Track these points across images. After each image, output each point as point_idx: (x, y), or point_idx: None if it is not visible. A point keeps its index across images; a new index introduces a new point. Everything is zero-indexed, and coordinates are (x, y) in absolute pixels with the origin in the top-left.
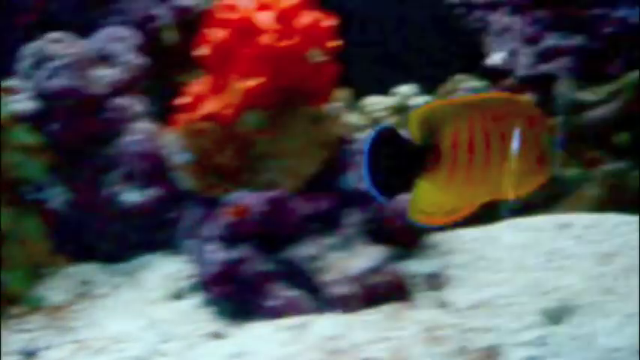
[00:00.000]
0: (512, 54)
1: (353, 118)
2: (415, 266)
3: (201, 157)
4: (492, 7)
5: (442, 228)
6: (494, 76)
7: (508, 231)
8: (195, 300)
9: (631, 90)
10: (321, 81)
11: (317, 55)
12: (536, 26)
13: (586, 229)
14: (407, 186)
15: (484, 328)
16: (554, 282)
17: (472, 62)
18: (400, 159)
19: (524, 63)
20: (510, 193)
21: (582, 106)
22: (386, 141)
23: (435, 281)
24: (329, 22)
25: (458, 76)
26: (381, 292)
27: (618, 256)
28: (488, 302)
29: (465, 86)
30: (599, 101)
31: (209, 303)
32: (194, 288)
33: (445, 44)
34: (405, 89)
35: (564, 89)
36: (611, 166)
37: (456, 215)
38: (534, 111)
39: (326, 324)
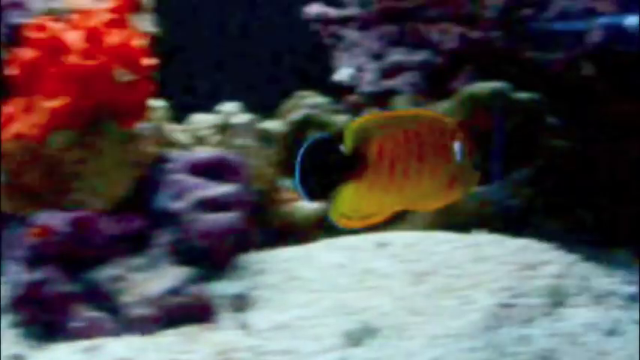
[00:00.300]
0: (359, 69)
1: (179, 135)
2: (223, 287)
3: (11, 177)
4: (344, 22)
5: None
6: (342, 91)
7: (325, 250)
8: (4, 322)
9: (467, 106)
10: (134, 100)
11: (125, 75)
12: (382, 42)
13: (404, 248)
14: (331, 190)
15: (282, 351)
16: (363, 303)
17: (322, 78)
18: (329, 165)
19: (369, 79)
20: (420, 205)
21: None
22: (319, 148)
23: (240, 302)
24: (140, 40)
25: (301, 92)
26: (181, 313)
27: (432, 276)
28: (291, 324)
29: (308, 102)
30: None
31: (17, 325)
32: (5, 309)
33: (293, 59)
34: (228, 107)
35: (399, 104)
36: None
37: (370, 220)
38: (456, 131)
39: (120, 346)
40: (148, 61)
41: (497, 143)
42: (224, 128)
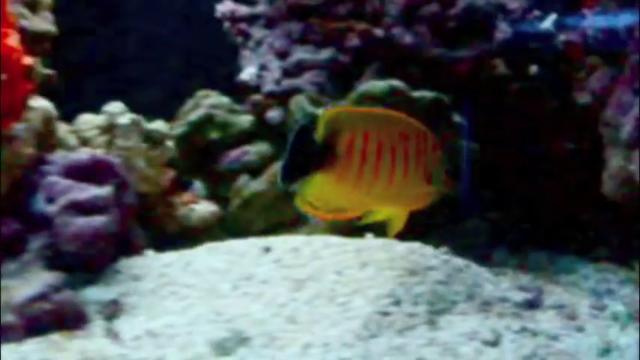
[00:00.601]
0: (263, 68)
1: (67, 136)
2: (96, 293)
3: None
4: (253, 20)
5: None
6: (246, 91)
7: (207, 255)
8: None
9: (363, 105)
10: (9, 100)
11: None
12: (288, 40)
13: (289, 253)
14: (301, 177)
15: None
16: (239, 310)
17: (229, 77)
18: (304, 153)
19: (272, 78)
20: (392, 205)
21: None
22: (304, 135)
23: (113, 309)
24: (13, 40)
25: (201, 92)
26: (48, 320)
27: (314, 282)
28: (161, 332)
29: (208, 102)
30: None
31: None
32: None
33: (204, 59)
34: (112, 107)
35: (299, 105)
36: None
37: (340, 215)
38: (427, 135)
39: None
40: (25, 60)
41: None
42: (108, 129)
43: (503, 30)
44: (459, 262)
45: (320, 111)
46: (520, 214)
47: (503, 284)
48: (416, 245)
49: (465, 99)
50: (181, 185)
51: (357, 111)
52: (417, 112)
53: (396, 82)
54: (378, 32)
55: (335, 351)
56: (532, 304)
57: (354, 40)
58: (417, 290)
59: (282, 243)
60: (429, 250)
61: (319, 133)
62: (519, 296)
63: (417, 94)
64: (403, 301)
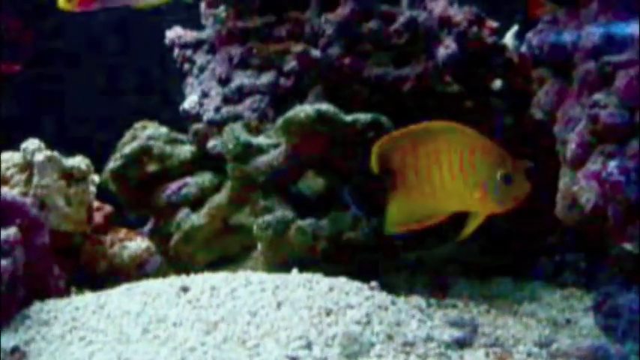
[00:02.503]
0: (205, 96)
1: None
2: (2, 340)
3: None
4: (197, 46)
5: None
6: (189, 119)
7: (123, 296)
8: None
9: (291, 132)
10: None
11: None
12: (229, 65)
13: (206, 293)
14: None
15: None
16: (144, 356)
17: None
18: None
19: (213, 105)
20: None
21: (252, 151)
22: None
23: (15, 357)
24: None
25: (141, 123)
26: None
27: (227, 324)
28: None
29: (145, 134)
30: (271, 145)
31: None
32: None
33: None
34: (29, 144)
35: (233, 134)
36: (272, 216)
37: (426, 222)
38: (480, 142)
39: None
40: None
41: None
42: (25, 167)
43: (447, 45)
44: (384, 298)
45: (254, 140)
46: (485, 239)
47: (434, 321)
48: (340, 281)
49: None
50: (126, 222)
51: (401, 132)
52: (353, 136)
53: (324, 107)
54: (315, 53)
55: None
56: (462, 344)
57: (291, 63)
58: (330, 332)
59: (201, 282)
60: (353, 285)
61: (373, 164)
62: (448, 334)
63: (350, 117)
64: (315, 343)
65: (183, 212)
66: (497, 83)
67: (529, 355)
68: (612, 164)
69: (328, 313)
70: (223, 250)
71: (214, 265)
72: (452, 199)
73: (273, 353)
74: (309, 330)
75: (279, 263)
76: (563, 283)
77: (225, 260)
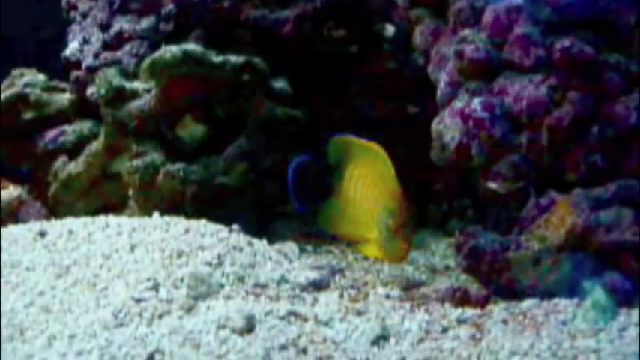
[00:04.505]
0: (85, 42)
1: None
2: None
3: None
4: None
5: None
6: (70, 66)
7: None
8: None
9: (157, 75)
10: None
11: None
12: (109, 10)
13: (62, 237)
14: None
15: None
16: None
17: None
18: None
19: (93, 51)
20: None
21: (125, 95)
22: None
23: None
24: None
25: (16, 71)
26: None
27: (80, 267)
28: None
29: (22, 81)
30: (146, 90)
31: None
32: None
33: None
34: None
35: (106, 78)
36: (140, 161)
37: (350, 238)
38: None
39: None
40: None
41: None
42: None
43: None
44: (239, 240)
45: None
46: None
47: (292, 264)
48: (199, 223)
49: None
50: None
51: (358, 142)
52: (223, 78)
53: (191, 47)
54: None
55: (79, 342)
56: (318, 286)
57: (169, 6)
58: (179, 273)
59: (59, 227)
60: (211, 228)
61: (330, 158)
62: (304, 277)
63: (218, 58)
64: (162, 285)
65: (61, 161)
66: (390, 29)
67: (387, 296)
68: (476, 101)
69: (180, 254)
70: (103, 200)
71: (93, 216)
72: (363, 225)
73: (120, 295)
74: (159, 271)
75: (151, 209)
76: (452, 231)
77: (107, 210)
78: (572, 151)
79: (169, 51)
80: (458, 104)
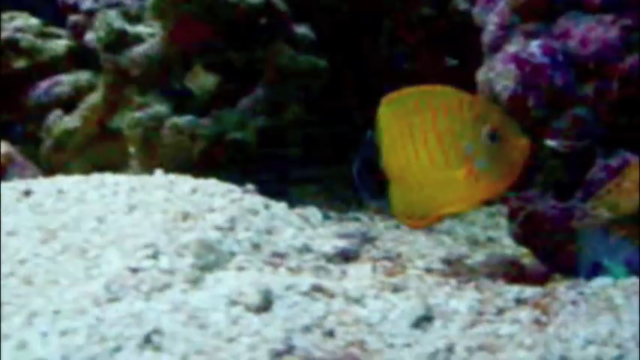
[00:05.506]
0: None
1: None
2: None
3: None
4: None
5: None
6: (66, 10)
7: None
8: None
9: (169, 15)
10: None
11: None
12: None
13: (51, 197)
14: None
15: None
16: None
17: None
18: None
19: None
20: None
21: (127, 40)
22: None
23: None
24: None
25: (5, 14)
26: None
27: (69, 231)
28: None
29: (12, 25)
30: (152, 35)
31: None
32: None
33: None
34: None
35: (106, 21)
36: (143, 112)
37: (427, 221)
38: (456, 95)
39: None
40: None
41: None
42: None
43: None
44: (255, 202)
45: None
46: None
47: (316, 231)
48: (208, 182)
49: None
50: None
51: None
52: (238, 20)
53: None
54: None
55: (63, 320)
56: (347, 256)
57: None
58: (184, 239)
59: (47, 185)
60: (222, 187)
61: (378, 133)
62: (331, 246)
63: None
64: (163, 253)
65: (55, 114)
66: None
67: (428, 270)
68: (535, 44)
69: (185, 217)
70: (101, 158)
71: None
72: (434, 186)
73: (114, 265)
74: (160, 237)
75: (155, 168)
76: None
77: (106, 170)
78: None
79: None
80: (512, 48)
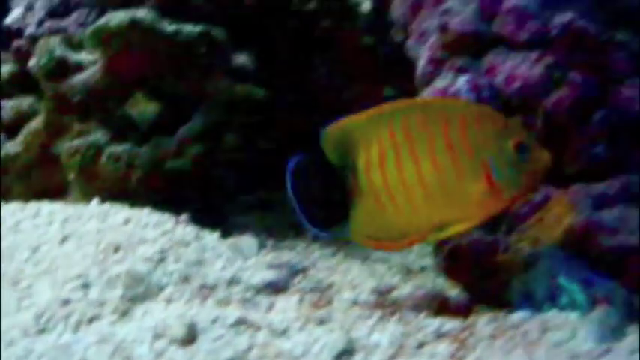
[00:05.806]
0: (29, 9)
1: None
2: None
3: None
4: None
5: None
6: (11, 35)
7: None
8: None
9: (108, 45)
10: None
11: None
12: None
13: None
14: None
15: None
16: None
17: None
18: (327, 185)
19: (37, 18)
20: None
21: (69, 67)
22: (307, 169)
23: None
24: None
25: None
26: None
27: (5, 261)
28: None
29: None
30: (93, 62)
31: None
32: None
33: None
34: None
35: (48, 48)
36: (81, 140)
37: (405, 242)
38: (473, 108)
39: None
40: None
41: None
42: None
43: None
44: (186, 233)
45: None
46: None
47: (247, 262)
48: (142, 212)
49: None
50: None
51: (366, 115)
52: (176, 51)
53: (141, 14)
54: None
55: None
56: (276, 287)
57: None
58: (115, 270)
59: None
60: (154, 218)
61: (330, 156)
62: (260, 277)
63: (171, 27)
64: (94, 284)
65: None
66: (366, 3)
67: (354, 302)
68: (462, 80)
69: (117, 248)
70: (43, 184)
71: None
72: (437, 202)
73: (45, 295)
74: (91, 268)
75: (93, 196)
76: None
77: (47, 195)
78: (572, 140)
79: (116, 17)
80: (440, 83)
